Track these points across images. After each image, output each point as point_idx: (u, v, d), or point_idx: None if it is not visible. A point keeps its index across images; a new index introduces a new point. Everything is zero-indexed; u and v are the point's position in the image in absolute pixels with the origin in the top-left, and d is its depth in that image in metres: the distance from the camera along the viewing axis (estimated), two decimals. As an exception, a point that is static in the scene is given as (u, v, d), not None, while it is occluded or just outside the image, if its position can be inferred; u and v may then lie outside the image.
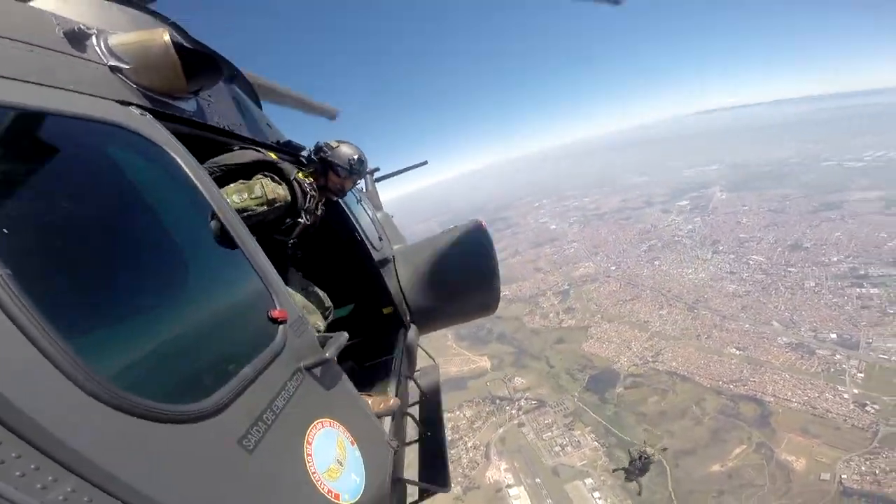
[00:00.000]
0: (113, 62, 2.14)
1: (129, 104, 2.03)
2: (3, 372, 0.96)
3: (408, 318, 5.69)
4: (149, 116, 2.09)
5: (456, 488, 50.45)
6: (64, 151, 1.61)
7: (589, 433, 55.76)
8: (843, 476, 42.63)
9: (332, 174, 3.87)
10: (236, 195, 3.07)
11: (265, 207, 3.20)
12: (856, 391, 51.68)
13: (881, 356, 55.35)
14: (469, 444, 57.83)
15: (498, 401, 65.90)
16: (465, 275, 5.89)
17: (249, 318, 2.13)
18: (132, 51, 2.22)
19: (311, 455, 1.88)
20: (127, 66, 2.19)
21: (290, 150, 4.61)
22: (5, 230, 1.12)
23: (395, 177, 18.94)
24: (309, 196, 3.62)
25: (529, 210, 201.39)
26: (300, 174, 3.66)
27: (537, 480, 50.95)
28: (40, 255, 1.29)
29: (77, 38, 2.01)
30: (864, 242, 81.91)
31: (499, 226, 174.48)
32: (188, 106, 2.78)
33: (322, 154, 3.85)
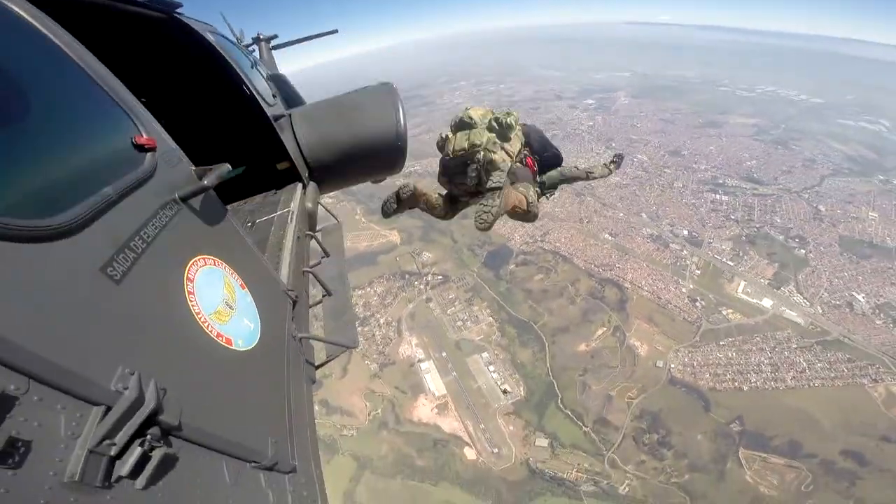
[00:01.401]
0: None
1: None
2: None
3: (306, 174, 5.37)
4: None
5: (372, 365, 53.08)
6: None
7: (485, 308, 59.30)
8: (671, 366, 48.46)
9: None
10: None
11: None
12: (691, 286, 58.91)
13: (716, 256, 63.57)
14: (381, 321, 58.98)
15: (407, 276, 67.31)
16: (370, 132, 5.51)
17: (110, 143, 1.85)
18: None
19: (192, 293, 1.70)
20: None
21: (161, 5, 3.69)
22: None
23: (303, 45, 16.49)
24: None
25: (446, 91, 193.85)
26: None
27: (443, 354, 53.65)
28: None
29: None
30: (730, 158, 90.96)
31: (414, 102, 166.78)
32: None
33: None
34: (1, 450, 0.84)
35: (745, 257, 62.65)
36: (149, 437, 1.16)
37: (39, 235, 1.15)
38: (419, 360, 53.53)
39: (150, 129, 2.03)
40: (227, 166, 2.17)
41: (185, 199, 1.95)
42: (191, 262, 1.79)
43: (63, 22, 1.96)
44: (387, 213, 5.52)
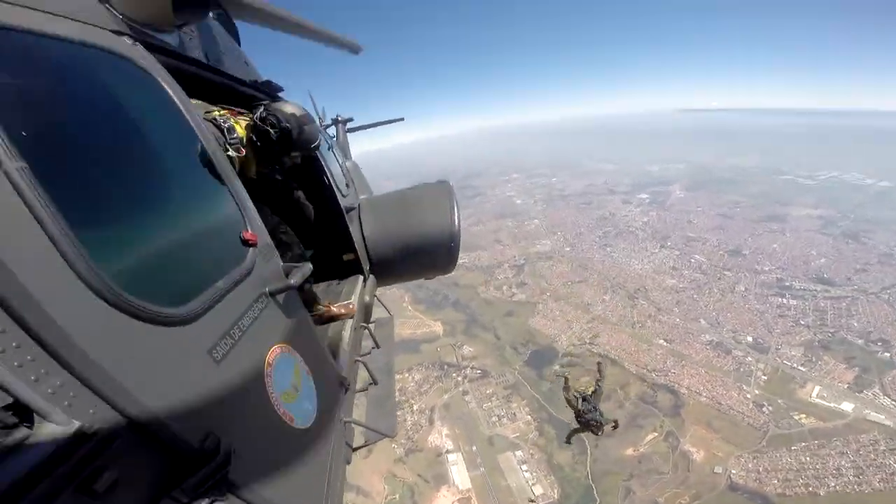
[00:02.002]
0: None
1: (122, 34, 2.09)
2: (15, 257, 1.04)
3: (367, 267, 5.73)
4: (140, 46, 2.16)
5: (399, 450, 53.52)
6: (67, 73, 1.72)
7: (525, 406, 59.07)
8: (732, 471, 46.37)
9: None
10: None
11: None
12: (757, 392, 56.46)
13: (785, 362, 60.75)
14: (415, 408, 60.48)
15: (446, 367, 68.85)
16: (427, 232, 5.89)
17: (224, 236, 2.22)
18: None
19: (269, 376, 2.00)
20: None
21: (268, 90, 4.58)
22: (23, 133, 1.22)
23: (369, 130, 18.42)
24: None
25: (498, 182, 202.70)
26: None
27: (474, 448, 53.66)
28: (51, 159, 1.36)
29: None
30: (795, 257, 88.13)
31: (467, 192, 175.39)
32: (171, 39, 2.79)
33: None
34: (109, 487, 1.08)
35: (819, 363, 59.38)
36: (214, 491, 1.44)
37: (170, 321, 1.49)
38: (447, 451, 53.49)
39: (253, 224, 2.34)
40: (310, 266, 2.58)
41: (272, 294, 2.26)
42: (271, 350, 2.08)
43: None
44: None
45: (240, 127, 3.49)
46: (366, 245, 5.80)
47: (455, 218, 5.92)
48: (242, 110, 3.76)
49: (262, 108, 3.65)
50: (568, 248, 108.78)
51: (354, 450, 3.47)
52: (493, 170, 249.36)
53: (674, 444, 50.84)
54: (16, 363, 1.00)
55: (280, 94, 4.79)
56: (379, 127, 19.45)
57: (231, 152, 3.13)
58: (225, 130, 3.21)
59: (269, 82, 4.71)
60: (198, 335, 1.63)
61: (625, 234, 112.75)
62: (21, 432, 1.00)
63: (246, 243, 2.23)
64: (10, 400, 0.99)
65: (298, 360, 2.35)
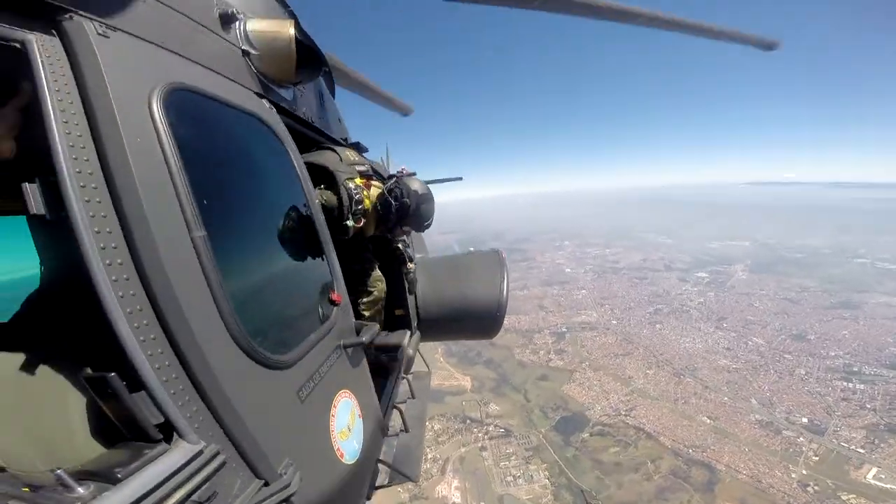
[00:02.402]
0: (245, 47, 2.41)
1: (262, 96, 2.39)
2: (190, 311, 1.34)
3: (415, 323, 6.07)
4: (274, 111, 2.46)
5: (404, 495, 53.02)
6: (224, 137, 2.02)
7: (544, 470, 57.71)
8: None
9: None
10: None
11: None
12: (804, 472, 53.00)
13: (842, 444, 56.65)
14: (429, 456, 60.11)
15: (468, 421, 68.51)
16: (474, 297, 6.19)
17: (319, 295, 2.60)
18: (262, 38, 2.47)
19: (334, 416, 2.32)
20: (255, 53, 2.45)
21: (357, 151, 4.85)
22: (205, 201, 1.48)
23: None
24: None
25: (549, 248, 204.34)
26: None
27: None
28: (217, 226, 1.62)
29: (228, 20, 2.30)
30: (868, 343, 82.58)
31: (515, 256, 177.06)
32: (287, 94, 3.07)
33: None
34: (207, 497, 1.28)
35: (883, 445, 55.37)
36: None
37: (278, 365, 1.80)
38: (453, 503, 52.67)
39: (339, 286, 2.72)
40: (377, 327, 2.97)
41: (345, 347, 2.63)
42: (338, 394, 2.42)
43: None
44: None
45: (368, 200, 3.93)
46: (416, 302, 6.18)
47: (504, 287, 6.18)
48: (374, 181, 4.30)
49: (394, 180, 4.12)
50: (615, 322, 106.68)
51: (377, 488, 3.74)
52: (545, 235, 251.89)
53: (700, 520, 47.68)
54: (172, 391, 1.30)
55: (365, 154, 5.12)
56: (441, 184, 22.13)
57: (350, 221, 3.62)
58: (354, 202, 3.66)
59: (357, 144, 5.00)
60: (293, 378, 1.97)
61: (678, 312, 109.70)
62: (162, 446, 1.26)
63: (333, 303, 2.60)
64: (162, 419, 1.26)
65: (355, 405, 2.65)
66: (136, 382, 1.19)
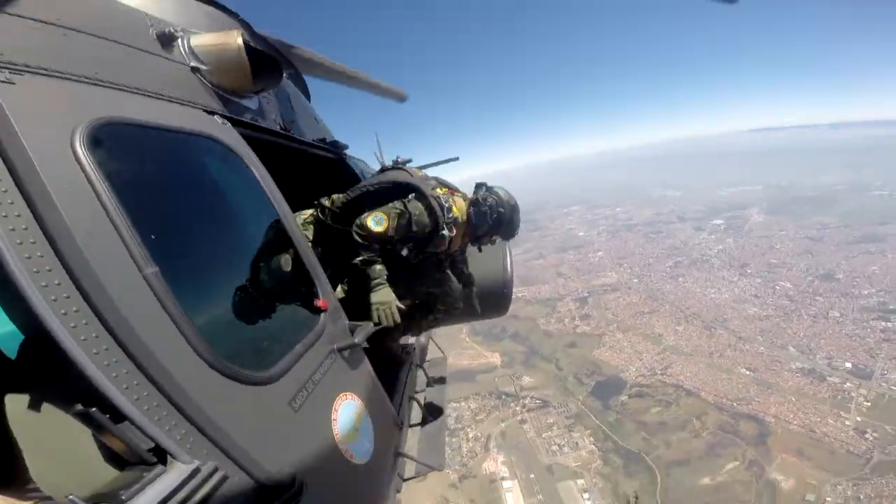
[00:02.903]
0: (193, 63, 2.36)
1: (213, 113, 2.31)
2: (155, 343, 1.42)
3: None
4: (228, 125, 2.38)
5: (453, 476, 52.99)
6: (169, 165, 1.97)
7: (588, 436, 57.16)
8: (827, 498, 43.73)
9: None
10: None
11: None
12: (858, 419, 51.87)
13: (892, 387, 55.37)
14: (470, 435, 59.87)
15: (504, 396, 67.94)
16: (480, 277, 6.15)
17: (301, 305, 2.55)
18: (210, 52, 2.42)
19: (336, 420, 2.30)
20: (205, 68, 2.40)
21: (335, 149, 4.97)
22: (153, 236, 1.53)
23: (426, 170, 20.75)
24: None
25: (559, 215, 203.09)
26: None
27: (531, 476, 52.53)
28: (170, 253, 1.67)
29: (167, 39, 2.24)
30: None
31: (526, 227, 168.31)
32: (251, 104, 3.06)
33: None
34: None
35: (935, 386, 53.35)
36: None
37: (262, 382, 1.85)
38: (502, 478, 52.71)
39: (324, 291, 2.64)
40: (372, 325, 2.92)
41: (340, 350, 2.57)
42: (337, 398, 2.39)
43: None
44: None
45: (456, 207, 3.75)
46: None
47: (507, 262, 6.07)
48: (457, 189, 4.08)
49: (484, 189, 3.94)
50: (636, 280, 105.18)
51: (406, 480, 3.74)
52: (552, 203, 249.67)
53: (758, 473, 47.70)
54: (157, 417, 1.37)
55: (345, 152, 5.17)
56: (438, 167, 21.22)
57: (444, 231, 3.56)
58: (445, 210, 3.54)
59: (335, 142, 5.02)
60: (282, 391, 1.98)
61: (698, 262, 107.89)
62: (158, 468, 1.33)
63: (318, 310, 2.56)
64: (152, 444, 1.33)
65: (360, 406, 2.64)
66: (118, 414, 1.27)
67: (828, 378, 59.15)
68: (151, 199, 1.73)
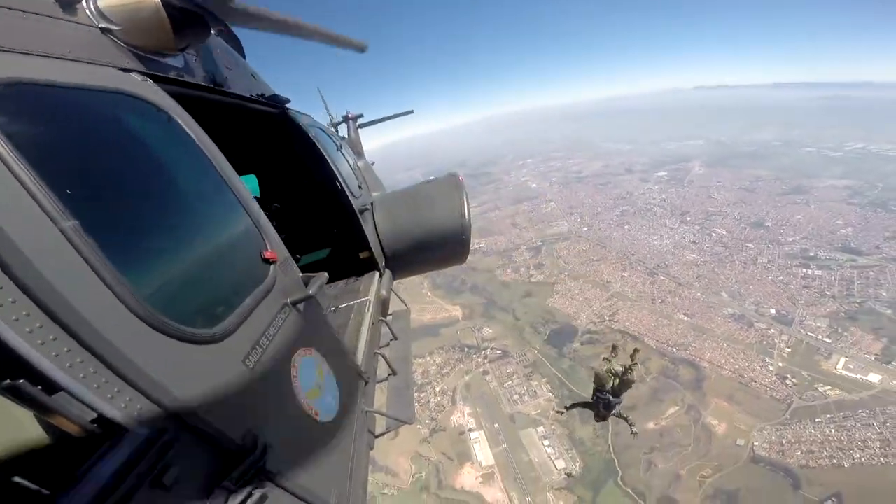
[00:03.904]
0: (103, 24, 2.20)
1: (130, 70, 2.18)
2: (84, 305, 1.26)
3: (383, 263, 5.98)
4: (149, 82, 2.25)
5: (423, 431, 54.62)
6: (90, 122, 1.82)
7: (545, 384, 59.33)
8: (755, 444, 46.26)
9: None
10: None
11: None
12: (780, 364, 55.34)
13: (809, 334, 59.25)
14: (437, 389, 61.21)
15: (466, 349, 69.35)
16: (439, 226, 6.16)
17: (247, 257, 2.38)
18: (122, 12, 2.26)
19: (296, 377, 2.22)
20: (117, 28, 2.24)
21: (275, 102, 4.81)
22: (68, 191, 1.37)
23: (380, 124, 19.46)
24: None
25: (513, 167, 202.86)
26: None
27: (496, 426, 54.53)
28: (92, 210, 1.50)
29: (68, 2, 2.09)
30: (821, 227, 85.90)
31: (481, 180, 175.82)
32: (176, 62, 2.86)
33: None
34: (174, 480, 1.32)
35: (846, 334, 57.77)
36: (255, 480, 1.64)
37: (210, 340, 1.70)
38: (469, 430, 54.56)
39: (273, 242, 2.51)
40: (326, 276, 2.75)
41: (294, 304, 2.43)
42: (296, 354, 2.28)
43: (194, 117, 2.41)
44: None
45: None
46: (380, 242, 6.03)
47: (465, 210, 6.12)
48: None
49: None
50: (585, 228, 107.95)
51: (377, 436, 3.68)
52: (507, 156, 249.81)
53: (695, 418, 50.73)
54: (95, 385, 1.24)
55: (287, 106, 5.00)
56: (392, 120, 19.85)
57: None
58: None
59: (275, 96, 4.83)
60: (233, 348, 1.83)
61: (643, 211, 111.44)
62: (105, 440, 1.23)
63: (267, 261, 2.40)
64: (94, 415, 1.21)
65: (320, 361, 2.54)
66: (50, 385, 1.17)
67: (755, 324, 62.87)
68: (64, 154, 1.59)
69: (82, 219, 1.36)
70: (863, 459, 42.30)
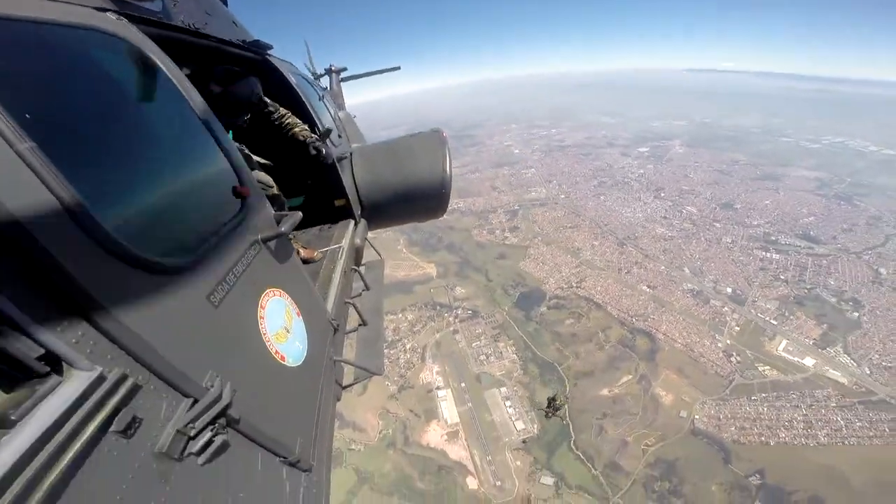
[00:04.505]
0: None
1: (105, 10, 2.10)
2: (37, 226, 1.14)
3: (359, 212, 5.87)
4: (125, 21, 2.18)
5: (392, 387, 55.60)
6: (59, 55, 1.74)
7: (511, 346, 60.62)
8: (696, 416, 48.29)
9: None
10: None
11: None
12: (728, 342, 57.70)
13: (759, 315, 61.77)
14: (408, 346, 61.82)
15: (438, 307, 70.01)
16: (418, 177, 6.03)
17: (218, 190, 2.31)
18: None
19: (263, 318, 2.12)
20: None
21: (256, 48, 4.67)
22: (27, 115, 1.29)
23: (367, 79, 18.44)
24: None
25: (497, 132, 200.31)
26: None
27: (462, 385, 55.55)
28: (53, 135, 1.42)
29: None
30: (786, 213, 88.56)
31: (465, 142, 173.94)
32: (154, 6, 2.79)
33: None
34: (126, 425, 1.22)
35: (792, 317, 60.61)
36: (217, 425, 1.56)
37: (171, 270, 1.58)
38: (437, 388, 55.43)
39: (245, 178, 2.43)
40: (299, 214, 2.66)
41: (265, 241, 2.37)
42: (264, 293, 2.19)
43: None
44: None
45: None
46: (357, 191, 5.87)
47: (446, 164, 5.98)
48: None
49: None
50: (563, 196, 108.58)
51: (344, 387, 3.58)
52: (492, 121, 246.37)
53: (646, 387, 52.62)
54: (42, 317, 1.12)
55: (269, 53, 4.86)
56: (378, 77, 18.97)
57: None
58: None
59: (257, 41, 4.68)
60: (197, 282, 1.72)
61: (620, 184, 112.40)
62: (53, 378, 1.12)
63: (238, 195, 2.31)
64: (41, 351, 1.09)
65: (289, 303, 2.44)
66: None
67: (711, 301, 65.14)
68: (29, 83, 1.52)
69: (42, 143, 1.27)
70: (787, 439, 45.00)
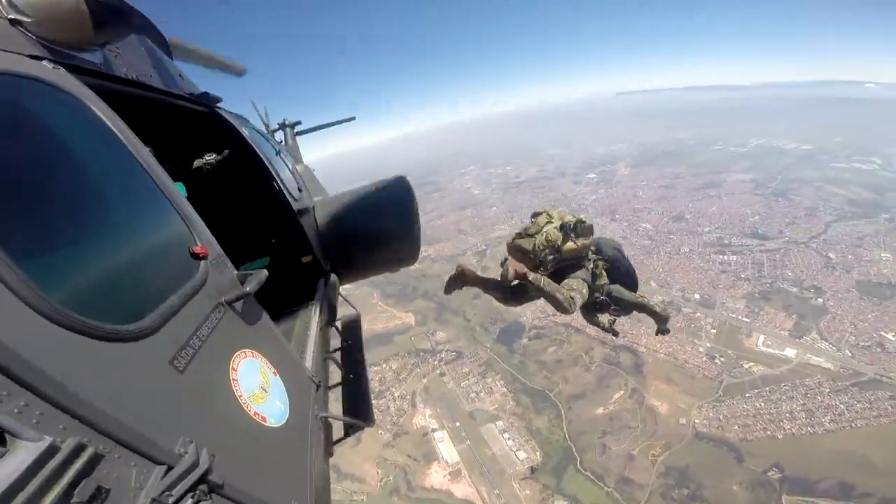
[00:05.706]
0: (13, 15, 2.05)
1: (41, 58, 1.99)
2: None
3: (328, 267, 5.63)
4: (62, 70, 2.08)
5: (386, 435, 53.67)
6: None
7: (499, 380, 59.90)
8: (696, 421, 48.13)
9: None
10: None
11: None
12: (708, 345, 58.45)
13: (731, 315, 63.15)
14: (396, 394, 60.30)
15: (421, 353, 68.82)
16: (385, 225, 5.81)
17: (172, 253, 2.18)
18: (38, 6, 2.11)
19: (236, 380, 2.02)
20: (29, 20, 2.08)
21: (206, 101, 4.45)
22: None
23: (323, 132, 17.37)
24: None
25: (455, 176, 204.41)
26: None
27: (457, 424, 54.28)
28: None
29: None
30: (732, 216, 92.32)
31: (427, 189, 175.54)
32: (94, 58, 2.66)
33: None
34: (90, 496, 1.11)
35: (762, 313, 61.93)
36: (199, 492, 1.44)
37: (126, 337, 1.49)
38: (433, 430, 54.22)
39: (202, 237, 2.34)
40: (265, 273, 2.51)
41: (229, 303, 2.27)
42: (234, 355, 2.10)
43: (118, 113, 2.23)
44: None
45: None
46: (323, 245, 5.63)
47: (413, 208, 5.83)
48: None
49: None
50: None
51: (335, 443, 3.50)
52: (449, 165, 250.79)
53: (639, 400, 52.26)
54: None
55: (219, 105, 4.65)
56: (334, 128, 18.57)
57: None
58: None
59: (206, 94, 4.44)
60: (156, 348, 1.63)
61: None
62: None
63: (196, 256, 2.19)
64: None
65: (263, 363, 2.34)
66: None
67: (682, 308, 66.09)
68: None
69: None
70: (793, 430, 44.94)
